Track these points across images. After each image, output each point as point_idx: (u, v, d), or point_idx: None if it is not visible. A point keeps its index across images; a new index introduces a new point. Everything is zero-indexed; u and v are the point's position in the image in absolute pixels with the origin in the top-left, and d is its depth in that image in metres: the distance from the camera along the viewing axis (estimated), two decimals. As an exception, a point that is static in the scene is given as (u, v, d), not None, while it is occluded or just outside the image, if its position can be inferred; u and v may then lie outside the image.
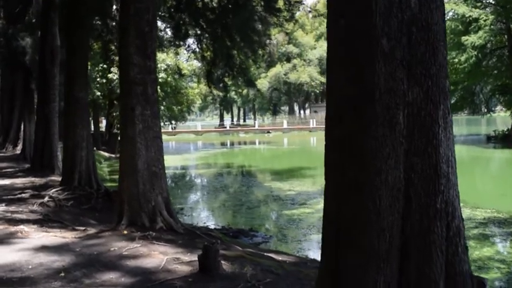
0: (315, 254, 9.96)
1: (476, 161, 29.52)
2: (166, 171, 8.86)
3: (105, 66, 31.78)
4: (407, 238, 3.24)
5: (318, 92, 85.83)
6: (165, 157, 8.95)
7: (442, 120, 3.22)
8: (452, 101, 45.83)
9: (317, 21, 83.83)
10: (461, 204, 3.34)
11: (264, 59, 26.37)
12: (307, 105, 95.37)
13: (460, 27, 38.51)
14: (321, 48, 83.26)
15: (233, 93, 79.46)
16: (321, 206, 15.38)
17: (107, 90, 32.87)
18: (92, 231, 8.06)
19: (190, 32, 13.37)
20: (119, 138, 8.51)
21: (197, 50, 17.66)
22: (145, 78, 8.17)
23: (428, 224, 3.22)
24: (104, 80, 31.60)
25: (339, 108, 3.37)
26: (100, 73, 30.90)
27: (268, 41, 17.38)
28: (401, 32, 3.19)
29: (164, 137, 10.69)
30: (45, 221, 9.20)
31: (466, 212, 13.36)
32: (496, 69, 41.83)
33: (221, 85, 14.27)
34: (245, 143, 57.01)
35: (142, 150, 8.10)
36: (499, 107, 53.95)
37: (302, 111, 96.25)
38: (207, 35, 12.74)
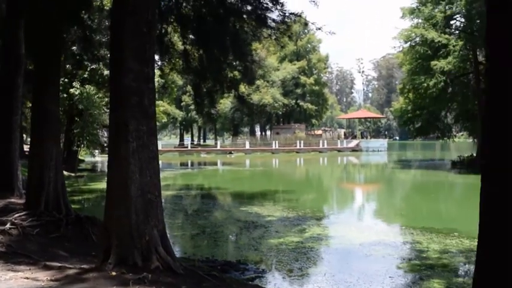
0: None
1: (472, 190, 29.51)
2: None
3: (66, 80, 30.14)
4: None
5: (280, 113, 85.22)
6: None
7: None
8: (418, 125, 46.04)
9: (281, 43, 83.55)
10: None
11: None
12: (268, 126, 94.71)
13: (429, 52, 38.52)
14: (284, 70, 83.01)
15: (194, 112, 77.95)
16: (308, 234, 14.18)
17: (68, 106, 31.20)
18: (71, 270, 6.66)
19: (175, 44, 12.13)
20: (108, 157, 7.14)
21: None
22: (142, 87, 6.85)
23: None
24: (65, 95, 29.85)
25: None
26: (61, 87, 29.13)
27: (251, 58, 16.32)
28: None
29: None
30: (9, 255, 7.78)
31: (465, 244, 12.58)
32: (461, 95, 42.13)
33: (207, 101, 13.06)
34: (205, 164, 55.44)
35: (136, 173, 6.74)
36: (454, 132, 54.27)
37: (263, 133, 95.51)
38: (195, 47, 11.52)
